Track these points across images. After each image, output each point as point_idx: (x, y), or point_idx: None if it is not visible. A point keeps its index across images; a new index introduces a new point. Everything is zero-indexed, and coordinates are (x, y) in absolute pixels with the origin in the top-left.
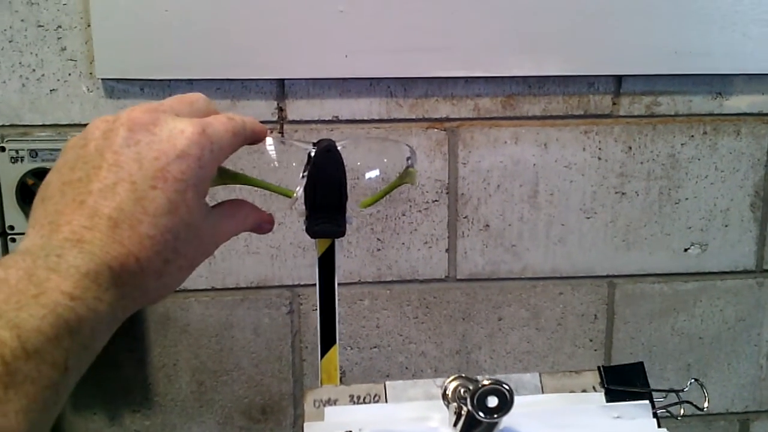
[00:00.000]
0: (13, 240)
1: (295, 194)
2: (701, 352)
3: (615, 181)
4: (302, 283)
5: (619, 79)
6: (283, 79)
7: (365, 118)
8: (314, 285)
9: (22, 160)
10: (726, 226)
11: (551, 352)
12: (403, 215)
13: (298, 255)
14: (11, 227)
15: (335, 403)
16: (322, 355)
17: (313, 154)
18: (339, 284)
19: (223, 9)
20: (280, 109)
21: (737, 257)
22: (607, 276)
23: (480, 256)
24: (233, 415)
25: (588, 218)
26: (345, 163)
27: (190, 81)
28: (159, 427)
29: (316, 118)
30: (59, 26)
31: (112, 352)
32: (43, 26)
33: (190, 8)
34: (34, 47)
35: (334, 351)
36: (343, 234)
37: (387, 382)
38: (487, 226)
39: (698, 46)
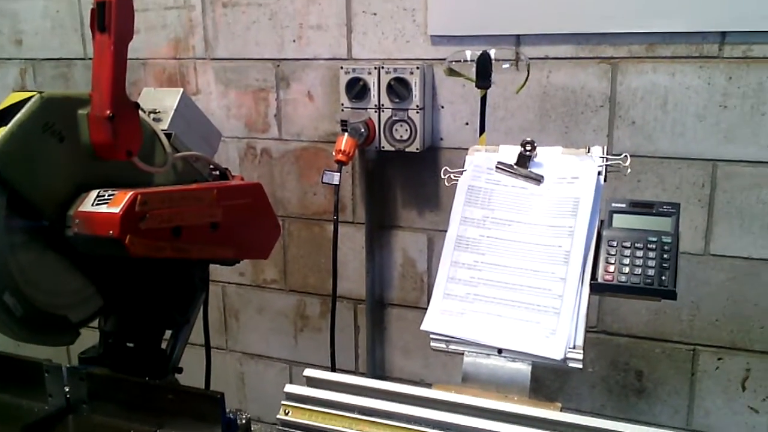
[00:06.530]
0: None
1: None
2: None
3: (719, 98)
4: None
5: (723, 33)
6: (519, 35)
7: (560, 56)
8: None
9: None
10: None
11: None
12: (582, 113)
13: None
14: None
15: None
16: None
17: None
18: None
19: None
20: (516, 53)
21: None
22: (712, 159)
23: (628, 140)
24: None
25: (700, 121)
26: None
27: (466, 36)
28: None
29: (535, 56)
30: (414, 8)
31: None
32: (405, 9)
33: None
34: (399, 20)
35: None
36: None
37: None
38: (633, 123)
39: None
